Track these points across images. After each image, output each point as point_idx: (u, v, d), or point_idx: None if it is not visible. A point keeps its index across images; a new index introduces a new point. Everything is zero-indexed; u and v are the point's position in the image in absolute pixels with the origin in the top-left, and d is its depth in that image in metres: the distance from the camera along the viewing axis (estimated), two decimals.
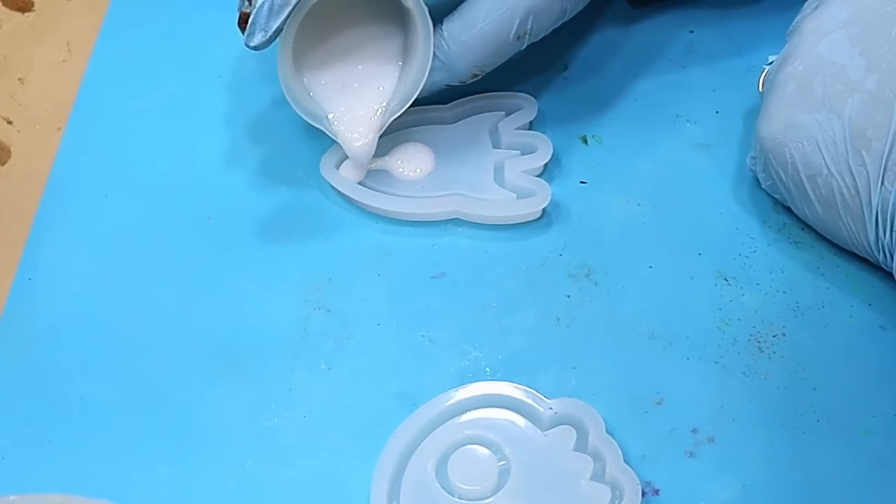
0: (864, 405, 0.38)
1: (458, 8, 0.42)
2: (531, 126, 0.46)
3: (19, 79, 0.50)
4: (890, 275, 0.39)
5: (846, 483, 0.36)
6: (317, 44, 0.42)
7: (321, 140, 0.45)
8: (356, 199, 0.43)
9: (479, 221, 0.43)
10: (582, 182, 0.45)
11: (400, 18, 0.43)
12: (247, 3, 0.41)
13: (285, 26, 0.40)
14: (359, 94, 0.42)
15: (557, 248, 0.43)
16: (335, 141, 0.44)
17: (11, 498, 0.36)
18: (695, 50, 0.49)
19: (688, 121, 0.46)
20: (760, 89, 0.43)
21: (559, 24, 0.43)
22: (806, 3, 0.41)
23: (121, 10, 0.52)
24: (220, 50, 0.50)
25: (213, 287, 0.42)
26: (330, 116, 0.42)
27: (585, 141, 0.46)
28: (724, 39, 0.49)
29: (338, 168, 0.44)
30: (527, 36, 0.42)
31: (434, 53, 0.42)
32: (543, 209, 0.43)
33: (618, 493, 0.36)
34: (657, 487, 0.37)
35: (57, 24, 0.52)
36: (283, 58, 0.41)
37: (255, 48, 0.40)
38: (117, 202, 0.45)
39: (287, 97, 0.42)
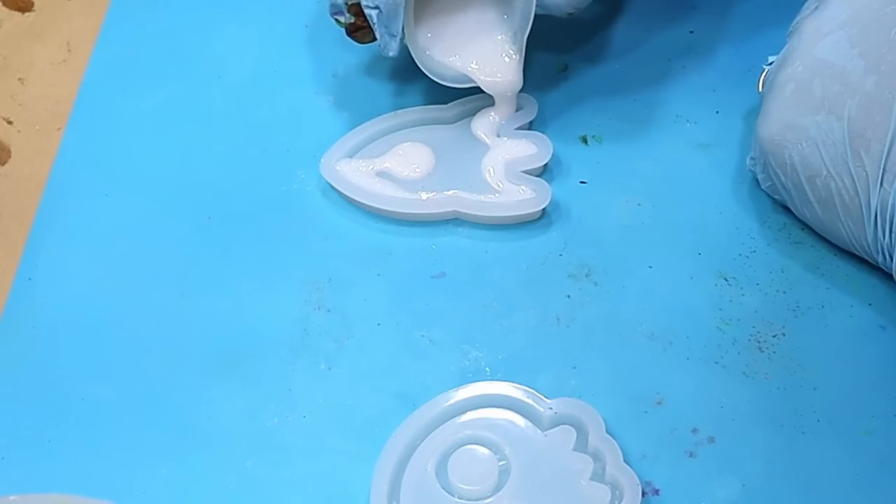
0: (864, 405, 0.38)
1: None
2: (531, 126, 0.46)
3: (19, 79, 0.50)
4: (890, 275, 0.39)
5: (846, 483, 0.37)
6: (423, 19, 0.43)
7: (321, 140, 0.45)
8: (356, 199, 0.43)
9: (479, 221, 0.43)
10: (582, 182, 0.45)
11: None
12: (348, 14, 0.42)
13: (405, 18, 0.41)
14: (481, 40, 0.44)
15: (557, 248, 0.43)
16: (339, 138, 0.44)
17: (11, 498, 0.36)
18: (695, 50, 0.49)
19: (688, 121, 0.46)
20: (760, 90, 0.43)
21: None
22: (806, 4, 0.41)
23: (121, 10, 0.52)
24: (220, 50, 0.50)
25: (213, 287, 0.42)
26: (472, 68, 0.43)
27: (585, 141, 0.46)
28: (724, 39, 0.49)
29: (338, 168, 0.44)
30: None
31: None
32: (543, 209, 0.43)
33: (618, 493, 0.36)
34: (657, 487, 0.37)
35: (57, 24, 0.52)
36: (413, 44, 0.42)
37: (394, 55, 0.42)
38: (117, 202, 0.45)
39: (429, 75, 0.43)
